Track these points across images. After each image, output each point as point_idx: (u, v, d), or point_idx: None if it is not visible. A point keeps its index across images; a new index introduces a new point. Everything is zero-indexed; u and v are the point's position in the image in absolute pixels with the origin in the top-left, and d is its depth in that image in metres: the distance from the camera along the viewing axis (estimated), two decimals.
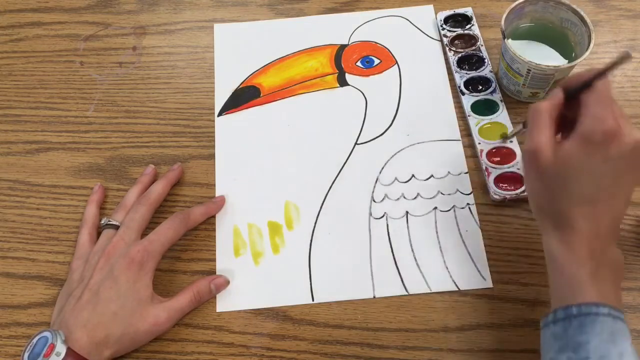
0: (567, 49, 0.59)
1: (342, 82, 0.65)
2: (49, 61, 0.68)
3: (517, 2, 0.58)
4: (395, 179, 0.59)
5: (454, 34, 0.66)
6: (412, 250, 0.55)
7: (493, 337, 0.51)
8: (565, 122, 0.45)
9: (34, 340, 0.46)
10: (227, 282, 0.54)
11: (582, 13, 0.57)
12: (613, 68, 0.43)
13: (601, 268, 0.41)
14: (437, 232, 0.56)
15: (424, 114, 0.63)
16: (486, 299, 0.53)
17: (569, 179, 0.42)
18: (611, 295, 0.41)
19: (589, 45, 0.55)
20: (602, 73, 0.43)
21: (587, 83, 0.43)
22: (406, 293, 0.54)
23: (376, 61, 0.66)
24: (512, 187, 0.56)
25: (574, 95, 0.44)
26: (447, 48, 0.65)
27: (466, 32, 0.66)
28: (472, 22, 0.66)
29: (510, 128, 0.60)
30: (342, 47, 0.67)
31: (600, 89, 0.42)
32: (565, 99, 0.44)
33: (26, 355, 0.46)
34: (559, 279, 0.42)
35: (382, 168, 0.60)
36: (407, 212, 0.57)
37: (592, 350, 0.38)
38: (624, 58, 0.42)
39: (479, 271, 0.54)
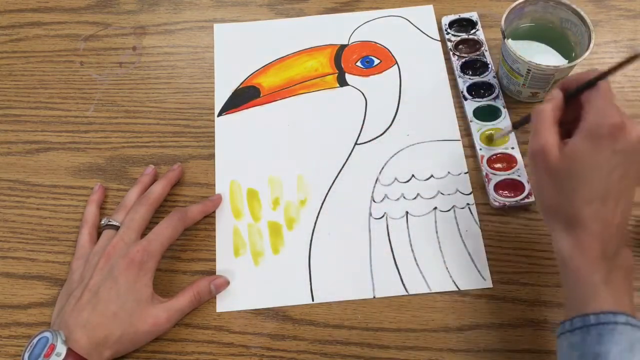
0: (567, 49, 0.59)
1: (342, 82, 0.65)
2: (49, 61, 0.68)
3: (517, 2, 0.58)
4: (395, 179, 0.59)
5: (459, 38, 0.66)
6: (412, 250, 0.55)
7: (493, 337, 0.51)
8: (562, 127, 0.45)
9: (34, 341, 0.46)
10: (227, 283, 0.54)
11: (582, 13, 0.57)
12: (622, 67, 0.43)
13: (614, 271, 0.41)
14: (437, 232, 0.56)
15: (424, 114, 0.63)
16: (486, 299, 0.53)
17: (578, 176, 0.41)
18: (626, 300, 0.41)
19: (589, 45, 0.55)
20: (609, 72, 0.43)
21: (592, 82, 0.43)
22: (406, 293, 0.54)
23: (376, 61, 0.66)
24: (512, 194, 0.56)
25: (575, 95, 0.44)
26: (451, 52, 0.65)
27: (471, 36, 0.66)
28: (477, 26, 0.66)
29: (512, 134, 0.59)
30: (342, 47, 0.67)
31: (603, 87, 0.43)
32: (564, 101, 0.45)
33: (26, 355, 0.46)
34: (573, 284, 0.42)
35: (382, 168, 0.60)
36: (407, 212, 0.57)
37: None
38: (634, 57, 0.42)
39: (478, 271, 0.54)
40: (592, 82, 0.43)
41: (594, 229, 0.41)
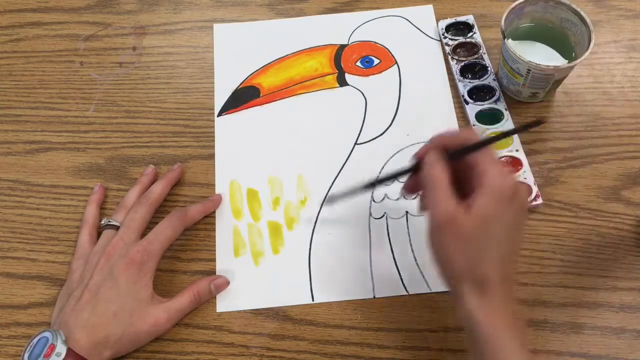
0: (567, 49, 0.59)
1: (342, 82, 0.65)
2: (49, 61, 0.68)
3: (517, 2, 0.58)
4: (395, 179, 0.59)
5: (456, 42, 0.66)
6: (412, 250, 0.55)
7: None
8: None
9: (34, 341, 0.46)
10: (227, 283, 0.54)
11: (582, 13, 0.57)
12: (513, 134, 0.45)
13: (520, 325, 0.42)
14: None
15: (424, 113, 0.63)
16: None
17: (490, 237, 0.41)
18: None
19: (589, 45, 0.55)
20: (499, 138, 0.44)
21: (480, 146, 0.44)
22: (406, 293, 0.54)
23: (376, 61, 0.66)
24: None
25: (460, 157, 0.44)
26: (449, 57, 0.65)
27: (468, 40, 0.66)
28: (474, 29, 0.66)
29: (515, 137, 0.59)
30: (342, 47, 0.67)
31: (492, 150, 0.44)
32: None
33: (26, 355, 0.46)
34: (479, 343, 0.41)
35: (382, 168, 0.60)
36: (407, 212, 0.57)
37: None
38: (532, 124, 0.44)
39: None
40: (480, 146, 0.44)
41: (502, 291, 0.41)
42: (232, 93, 0.65)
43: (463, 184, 0.44)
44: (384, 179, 0.48)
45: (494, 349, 0.40)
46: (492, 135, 0.45)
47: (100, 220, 0.56)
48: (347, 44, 0.67)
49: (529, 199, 0.56)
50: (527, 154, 0.59)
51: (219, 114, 0.64)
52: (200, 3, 0.72)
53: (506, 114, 0.61)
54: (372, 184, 0.48)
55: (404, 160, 0.59)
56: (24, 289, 0.56)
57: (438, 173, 0.43)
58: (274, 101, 0.64)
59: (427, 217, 0.43)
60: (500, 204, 0.42)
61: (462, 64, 0.64)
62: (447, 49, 0.65)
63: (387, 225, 0.57)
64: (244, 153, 0.61)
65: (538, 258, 0.55)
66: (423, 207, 0.47)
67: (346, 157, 0.61)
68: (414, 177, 0.48)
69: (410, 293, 0.54)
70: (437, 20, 0.68)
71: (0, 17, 0.72)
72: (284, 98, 0.64)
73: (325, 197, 0.58)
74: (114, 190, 0.60)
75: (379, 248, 0.56)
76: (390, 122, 0.62)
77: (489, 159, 0.43)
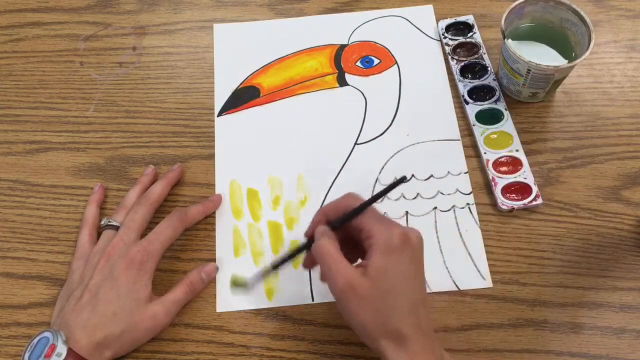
0: (567, 49, 0.59)
1: (342, 82, 0.65)
2: (49, 61, 0.68)
3: (517, 2, 0.58)
4: (395, 179, 0.59)
5: (456, 42, 0.66)
6: None
7: (493, 337, 0.51)
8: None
9: (35, 341, 0.46)
10: (216, 269, 0.55)
11: (582, 13, 0.57)
12: (385, 194, 0.46)
13: None
14: (437, 232, 0.56)
15: (424, 113, 0.63)
16: (486, 299, 0.53)
17: (390, 292, 0.42)
18: None
19: (589, 45, 0.55)
20: (373, 200, 0.46)
21: (359, 211, 0.45)
22: None
23: (376, 61, 0.66)
24: (520, 197, 0.56)
25: (341, 225, 0.45)
26: (449, 57, 0.65)
27: (468, 40, 0.66)
28: (474, 29, 0.66)
29: (515, 137, 0.59)
30: (342, 47, 0.67)
31: (371, 209, 0.45)
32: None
33: (27, 355, 0.46)
34: None
35: (382, 168, 0.60)
36: (406, 212, 0.57)
37: None
38: (399, 182, 0.46)
39: (478, 271, 0.54)
40: (359, 211, 0.45)
41: (420, 338, 0.42)
42: (232, 93, 0.65)
43: (360, 248, 0.45)
44: (283, 261, 0.48)
45: None
46: (369, 198, 0.46)
47: (100, 221, 0.57)
48: (347, 44, 0.67)
49: (531, 198, 0.56)
50: (527, 154, 0.59)
51: (219, 114, 0.64)
52: (200, 3, 0.72)
53: (506, 114, 0.61)
54: (276, 266, 0.49)
55: (404, 161, 0.60)
56: (24, 289, 0.56)
57: (326, 245, 0.44)
58: (274, 101, 0.64)
59: (329, 288, 0.44)
60: (391, 256, 0.42)
61: (462, 64, 0.64)
62: (447, 49, 0.65)
63: None
64: (244, 153, 0.61)
65: (538, 258, 0.55)
66: (322, 278, 0.47)
67: (346, 157, 0.61)
68: (309, 253, 0.48)
69: None
70: (437, 20, 0.68)
71: (0, 17, 0.72)
72: (284, 98, 0.64)
73: (325, 197, 0.58)
74: (114, 190, 0.60)
75: None
76: (390, 122, 0.62)
77: (373, 218, 0.44)
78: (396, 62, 0.66)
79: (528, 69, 0.57)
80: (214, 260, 0.56)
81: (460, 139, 0.61)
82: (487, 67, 0.64)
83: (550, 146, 0.60)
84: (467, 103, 0.62)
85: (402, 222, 0.57)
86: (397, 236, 0.43)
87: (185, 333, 0.53)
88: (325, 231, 0.45)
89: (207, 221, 0.58)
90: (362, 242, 0.45)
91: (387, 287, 0.42)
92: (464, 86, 0.63)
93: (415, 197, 0.58)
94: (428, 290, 0.53)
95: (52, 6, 0.72)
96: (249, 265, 0.56)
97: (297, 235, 0.57)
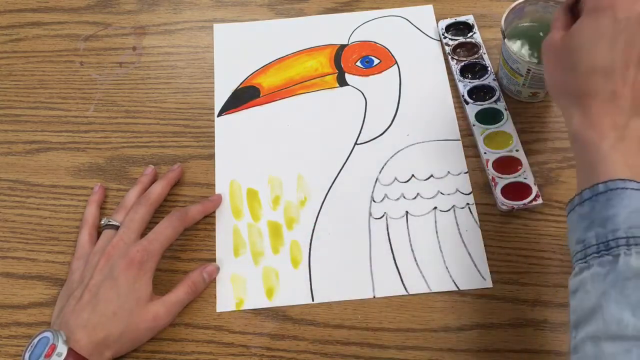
0: None
1: (342, 82, 0.65)
2: (49, 61, 0.68)
3: (517, 2, 0.58)
4: (395, 179, 0.59)
5: (456, 42, 0.66)
6: (412, 250, 0.55)
7: (493, 337, 0.51)
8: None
9: (35, 341, 0.46)
10: (217, 269, 0.55)
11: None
12: None
13: (627, 140, 0.40)
14: (437, 232, 0.56)
15: (424, 113, 0.63)
16: (486, 299, 0.53)
17: (580, 49, 0.42)
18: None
19: None
20: None
21: None
22: (406, 293, 0.54)
23: (376, 61, 0.66)
24: (520, 197, 0.56)
25: None
26: (449, 57, 0.65)
27: (468, 40, 0.66)
28: (474, 29, 0.66)
29: (515, 137, 0.59)
30: (342, 47, 0.67)
31: None
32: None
33: (27, 355, 0.46)
34: (583, 159, 0.42)
35: (382, 168, 0.60)
36: (407, 212, 0.57)
37: (621, 222, 0.37)
38: None
39: (478, 271, 0.54)
40: None
41: (600, 99, 0.41)
42: (232, 93, 0.65)
43: None
44: None
45: (586, 155, 0.41)
46: None
47: (100, 220, 0.57)
48: (347, 44, 0.67)
49: (530, 198, 0.56)
50: (527, 154, 0.59)
51: (219, 114, 0.64)
52: (200, 3, 0.72)
53: (506, 114, 0.61)
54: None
55: (404, 161, 0.60)
56: (24, 289, 0.56)
57: (561, 5, 0.46)
58: (274, 101, 0.64)
59: None
60: (594, 16, 0.42)
61: (462, 64, 0.64)
62: (447, 49, 0.65)
63: (387, 225, 0.57)
64: (244, 153, 0.61)
65: (538, 258, 0.55)
66: None
67: (346, 157, 0.61)
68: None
69: (410, 293, 0.54)
70: (437, 20, 0.68)
71: (0, 17, 0.72)
72: (284, 98, 0.64)
73: (325, 197, 0.58)
74: (114, 190, 0.60)
75: (379, 248, 0.56)
76: (390, 122, 0.62)
77: None
78: (396, 62, 0.66)
79: (528, 69, 0.57)
80: (214, 260, 0.56)
81: (460, 139, 0.61)
82: (487, 67, 0.64)
83: (550, 146, 0.60)
84: (467, 103, 0.62)
85: (402, 222, 0.57)
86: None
87: (185, 333, 0.53)
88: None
89: (207, 221, 0.58)
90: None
91: (576, 44, 0.42)
92: (464, 86, 0.63)
93: (415, 197, 0.58)
94: (428, 290, 0.54)
95: (52, 6, 0.72)
96: (249, 265, 0.56)
97: (297, 235, 0.57)
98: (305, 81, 0.65)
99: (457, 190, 0.58)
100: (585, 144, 0.41)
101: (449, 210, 0.57)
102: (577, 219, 0.40)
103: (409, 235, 0.56)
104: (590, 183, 0.40)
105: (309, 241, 0.56)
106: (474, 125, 0.60)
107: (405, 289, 0.54)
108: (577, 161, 0.43)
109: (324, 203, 0.58)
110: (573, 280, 0.40)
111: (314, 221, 0.57)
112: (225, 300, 0.54)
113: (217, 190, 0.60)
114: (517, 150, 0.59)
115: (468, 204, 0.57)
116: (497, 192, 0.56)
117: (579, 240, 0.40)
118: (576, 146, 0.43)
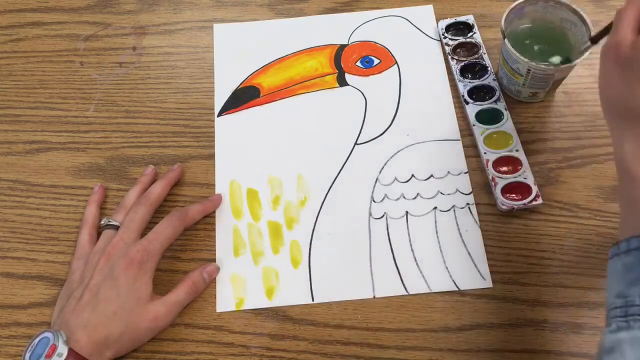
0: (567, 49, 0.59)
1: (342, 82, 0.65)
2: (49, 61, 0.68)
3: (517, 2, 0.58)
4: (395, 179, 0.59)
5: (456, 42, 0.66)
6: (412, 250, 0.55)
7: (493, 337, 0.51)
8: None
9: (35, 341, 0.46)
10: (218, 269, 0.55)
11: (582, 13, 0.57)
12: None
13: None
14: (437, 232, 0.56)
15: (424, 113, 0.63)
16: (486, 299, 0.53)
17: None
18: None
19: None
20: None
21: None
22: (406, 293, 0.54)
23: (376, 61, 0.66)
24: (520, 197, 0.56)
25: None
26: (449, 57, 0.65)
27: (468, 40, 0.66)
28: (474, 29, 0.66)
29: (515, 137, 0.59)
30: (342, 47, 0.67)
31: None
32: None
33: (27, 355, 0.46)
34: (631, 194, 0.36)
35: (382, 168, 0.60)
36: (407, 212, 0.57)
37: None
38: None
39: (478, 271, 0.54)
40: None
41: None
42: (232, 93, 0.65)
43: None
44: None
45: (637, 195, 0.36)
46: None
47: (100, 220, 0.57)
48: (347, 44, 0.67)
49: (530, 198, 0.56)
50: (527, 154, 0.59)
51: (219, 114, 0.64)
52: (200, 3, 0.72)
53: (506, 114, 0.61)
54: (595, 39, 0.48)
55: (404, 161, 0.60)
56: (24, 289, 0.56)
57: (627, 7, 0.39)
58: (274, 101, 0.64)
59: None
60: None
61: (462, 64, 0.64)
62: (447, 49, 0.65)
63: (387, 225, 0.57)
64: (244, 153, 0.61)
65: (538, 258, 0.55)
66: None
67: (346, 157, 0.61)
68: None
69: (410, 293, 0.54)
70: (437, 20, 0.68)
71: (0, 17, 0.72)
72: (284, 98, 0.64)
73: (325, 197, 0.58)
74: (114, 190, 0.60)
75: (379, 248, 0.56)
76: (390, 122, 0.62)
77: None
78: (396, 62, 0.66)
79: (528, 69, 0.57)
80: (214, 260, 0.56)
81: (460, 139, 0.61)
82: (487, 67, 0.64)
83: (550, 146, 0.60)
84: (467, 103, 0.62)
85: (402, 222, 0.57)
86: None
87: (185, 333, 0.53)
88: (635, 1, 0.40)
89: (207, 221, 0.58)
90: None
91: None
92: (464, 86, 0.63)
93: (415, 197, 0.58)
94: (428, 290, 0.54)
95: (52, 6, 0.72)
96: (249, 265, 0.56)
97: (297, 235, 0.57)
98: (305, 81, 0.65)
99: (457, 190, 0.58)
100: (635, 178, 0.36)
101: (449, 210, 0.57)
102: (622, 269, 0.36)
103: (409, 235, 0.56)
104: (638, 230, 0.35)
105: (309, 241, 0.56)
106: (474, 125, 0.60)
107: (405, 289, 0.54)
108: (623, 197, 0.38)
109: (324, 203, 0.58)
110: (608, 337, 0.35)
111: (314, 221, 0.57)
112: (225, 300, 0.54)
113: (217, 190, 0.60)
114: (517, 150, 0.59)
115: (468, 204, 0.57)
116: (497, 192, 0.56)
117: (620, 294, 0.35)
118: (623, 179, 0.37)
